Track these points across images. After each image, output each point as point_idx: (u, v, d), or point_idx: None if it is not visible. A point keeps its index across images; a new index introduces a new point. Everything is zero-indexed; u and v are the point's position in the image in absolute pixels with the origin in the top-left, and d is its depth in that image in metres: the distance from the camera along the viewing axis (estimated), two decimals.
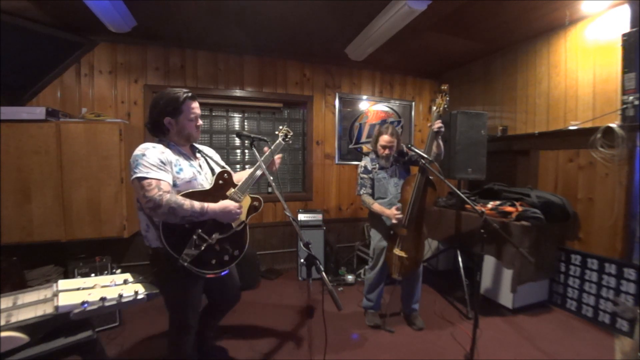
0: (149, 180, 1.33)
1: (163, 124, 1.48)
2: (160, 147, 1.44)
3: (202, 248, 1.42)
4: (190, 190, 1.45)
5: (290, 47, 3.61)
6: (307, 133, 4.02)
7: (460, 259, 2.97)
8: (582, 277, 2.71)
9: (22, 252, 2.48)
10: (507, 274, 2.74)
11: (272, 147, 1.78)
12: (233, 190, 1.57)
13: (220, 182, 1.55)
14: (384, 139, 2.40)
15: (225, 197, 1.53)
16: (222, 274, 1.53)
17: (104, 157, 2.70)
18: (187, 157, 1.55)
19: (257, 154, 1.69)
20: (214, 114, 3.77)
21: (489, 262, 2.92)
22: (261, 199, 1.71)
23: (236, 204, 1.49)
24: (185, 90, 1.50)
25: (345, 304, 2.88)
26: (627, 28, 2.40)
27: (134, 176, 1.34)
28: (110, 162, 2.72)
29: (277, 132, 1.91)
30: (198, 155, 1.65)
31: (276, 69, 3.81)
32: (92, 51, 3.13)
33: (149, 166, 1.35)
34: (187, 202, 1.35)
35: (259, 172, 1.66)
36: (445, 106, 2.29)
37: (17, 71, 2.77)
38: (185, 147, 1.59)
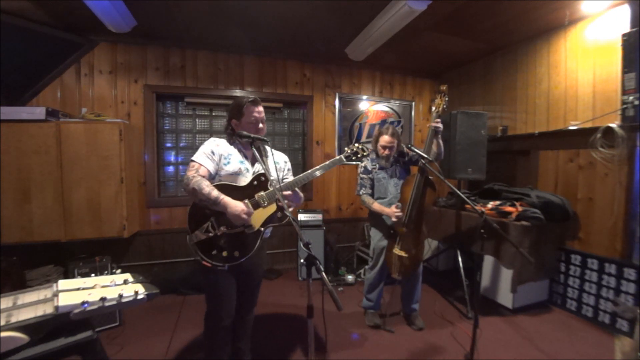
0: (193, 163, 1.58)
1: (231, 125, 1.69)
2: (218, 141, 1.67)
3: (209, 235, 1.54)
4: (225, 182, 1.59)
5: (290, 47, 3.61)
6: (307, 133, 4.01)
7: (460, 259, 2.97)
8: (582, 277, 2.71)
9: (22, 252, 2.49)
10: (507, 274, 2.74)
11: (328, 163, 1.68)
12: (262, 193, 1.60)
13: (255, 183, 1.63)
14: (385, 139, 2.40)
15: (252, 198, 1.60)
16: (218, 267, 1.57)
17: (104, 157, 2.70)
18: (244, 156, 1.70)
19: (257, 154, 1.61)
20: (214, 113, 3.77)
21: (488, 262, 2.92)
22: (290, 211, 1.50)
23: (244, 209, 1.49)
24: (250, 97, 1.68)
25: (345, 304, 2.88)
26: (627, 28, 2.40)
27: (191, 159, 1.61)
28: (110, 162, 2.72)
29: (346, 149, 1.74)
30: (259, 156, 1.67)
31: (276, 69, 3.81)
32: (92, 51, 3.13)
33: (201, 153, 1.61)
34: (206, 189, 1.49)
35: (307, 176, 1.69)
36: (445, 106, 2.29)
37: (17, 71, 2.77)
38: (248, 146, 1.67)
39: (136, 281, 1.15)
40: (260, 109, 1.68)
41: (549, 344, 2.29)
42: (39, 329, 0.95)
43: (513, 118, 3.48)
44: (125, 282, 1.13)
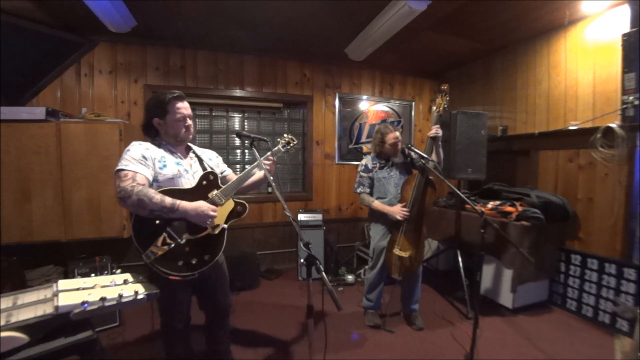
0: (125, 172, 1.36)
1: (153, 124, 1.53)
2: (145, 144, 1.49)
3: (169, 247, 1.38)
4: (171, 187, 1.45)
5: (290, 47, 3.61)
6: (307, 133, 4.01)
7: (460, 259, 2.97)
8: (582, 277, 2.71)
9: (22, 252, 2.48)
10: (507, 274, 2.74)
11: (268, 153, 1.74)
12: (216, 192, 1.53)
13: (204, 182, 1.53)
14: (393, 135, 2.41)
15: (206, 198, 1.51)
16: (188, 277, 1.44)
17: (104, 157, 2.70)
18: (177, 156, 1.57)
19: (256, 154, 1.65)
20: (214, 114, 3.77)
21: (489, 262, 2.92)
22: (246, 204, 1.62)
23: (210, 206, 1.43)
24: (174, 91, 1.54)
25: (345, 304, 2.88)
26: (627, 28, 2.40)
27: (115, 169, 1.38)
28: (110, 162, 2.71)
29: (279, 139, 1.85)
30: (191, 155, 1.66)
31: (276, 69, 3.81)
32: (92, 51, 3.13)
33: (130, 159, 1.40)
34: (157, 197, 1.33)
35: (254, 178, 1.69)
36: (446, 106, 2.29)
37: (17, 71, 2.77)
38: (179, 146, 1.60)
39: (136, 281, 1.16)
40: (186, 104, 1.56)
41: (549, 344, 2.29)
42: (39, 329, 0.95)
43: (513, 118, 3.48)
44: (125, 282, 1.13)
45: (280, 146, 1.81)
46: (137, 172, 1.38)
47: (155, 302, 1.51)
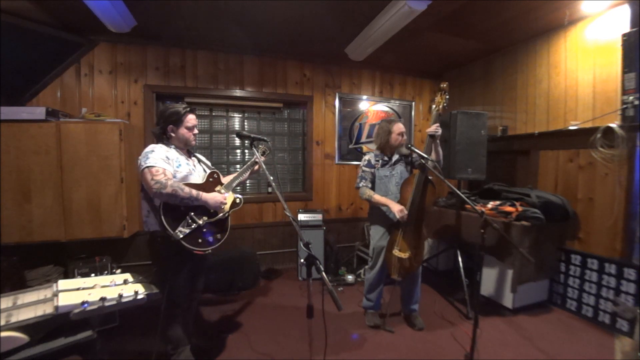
0: (157, 168, 1.64)
1: (167, 131, 1.81)
2: (165, 147, 1.79)
3: (193, 227, 1.70)
4: (187, 182, 1.77)
5: (290, 47, 3.61)
6: (307, 133, 4.01)
7: (460, 259, 2.97)
8: (582, 277, 2.71)
9: (22, 252, 2.49)
10: (507, 274, 2.74)
11: (250, 162, 2.07)
12: (220, 187, 1.90)
13: (211, 179, 1.89)
14: (398, 127, 2.43)
15: (213, 192, 1.85)
16: (207, 251, 1.79)
17: (104, 157, 2.70)
18: (185, 158, 1.87)
19: (256, 153, 1.87)
20: (214, 114, 3.77)
21: (489, 262, 2.92)
22: (242, 198, 2.01)
23: (223, 196, 1.83)
24: (185, 105, 1.86)
25: (345, 304, 2.88)
26: (627, 28, 2.40)
27: (145, 166, 1.64)
28: (110, 162, 2.72)
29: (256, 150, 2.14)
30: (193, 157, 1.98)
31: (276, 69, 3.81)
32: (92, 51, 3.13)
33: (157, 159, 1.68)
34: (186, 189, 1.66)
35: (245, 176, 2.05)
36: (445, 105, 2.29)
37: (17, 71, 2.77)
38: (183, 150, 1.91)
39: (136, 281, 1.16)
40: (194, 116, 1.88)
41: (549, 344, 2.29)
42: (39, 329, 0.96)
43: (513, 118, 3.48)
44: (125, 282, 1.13)
45: (259, 154, 2.14)
46: (165, 169, 1.67)
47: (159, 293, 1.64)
